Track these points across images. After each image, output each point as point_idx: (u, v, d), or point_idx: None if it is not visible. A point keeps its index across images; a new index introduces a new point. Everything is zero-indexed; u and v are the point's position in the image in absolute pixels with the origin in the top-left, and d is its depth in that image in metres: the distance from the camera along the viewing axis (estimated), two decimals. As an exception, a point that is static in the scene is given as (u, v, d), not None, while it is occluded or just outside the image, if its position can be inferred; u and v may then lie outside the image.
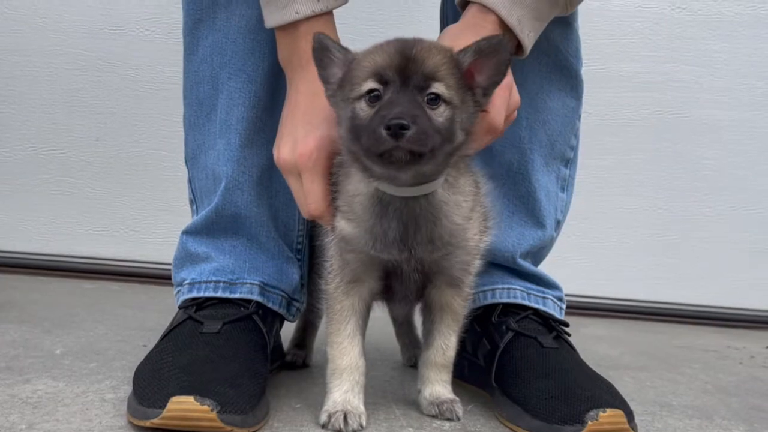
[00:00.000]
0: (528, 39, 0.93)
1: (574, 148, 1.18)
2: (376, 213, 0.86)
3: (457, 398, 0.95)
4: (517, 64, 1.02)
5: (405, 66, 0.80)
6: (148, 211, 2.03)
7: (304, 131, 0.90)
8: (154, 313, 1.55)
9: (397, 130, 0.75)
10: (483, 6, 0.91)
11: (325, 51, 0.85)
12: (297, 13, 0.89)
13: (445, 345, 0.96)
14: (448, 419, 0.93)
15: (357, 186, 0.87)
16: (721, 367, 1.48)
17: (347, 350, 0.90)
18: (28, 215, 2.02)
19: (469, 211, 0.90)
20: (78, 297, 1.71)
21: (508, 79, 0.88)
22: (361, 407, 0.89)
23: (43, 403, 0.89)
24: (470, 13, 0.92)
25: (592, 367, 1.05)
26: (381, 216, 0.86)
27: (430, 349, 0.96)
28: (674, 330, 1.94)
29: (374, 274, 0.91)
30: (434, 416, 0.94)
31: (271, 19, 0.92)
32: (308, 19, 0.89)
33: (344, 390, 0.89)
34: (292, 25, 0.91)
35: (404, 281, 0.91)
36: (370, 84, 0.80)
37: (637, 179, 2.09)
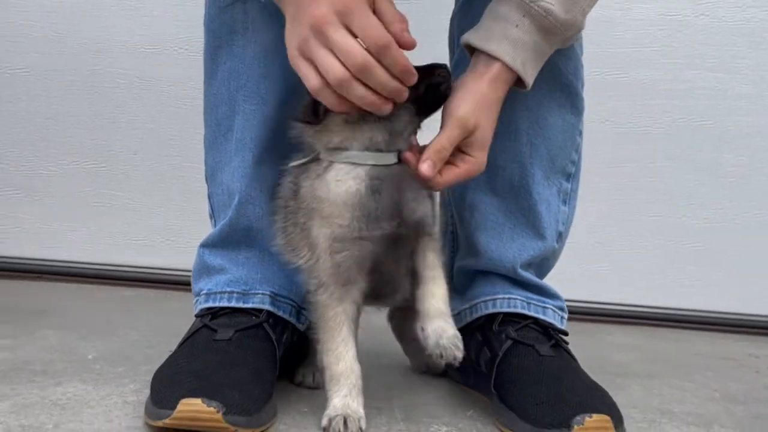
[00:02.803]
0: (531, 77, 1.01)
1: (576, 163, 1.21)
2: (370, 191, 0.93)
3: (460, 334, 0.94)
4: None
5: None
6: (183, 222, 2.12)
7: None
8: (185, 319, 1.62)
9: None
10: (488, 54, 0.98)
11: None
12: None
13: (437, 291, 0.97)
14: (452, 359, 0.92)
15: (337, 183, 0.94)
16: (735, 376, 1.49)
17: (342, 355, 0.95)
18: (72, 226, 2.14)
19: None
20: (116, 304, 1.81)
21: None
22: (360, 411, 0.94)
23: (71, 404, 0.97)
24: (481, 63, 0.99)
25: (602, 374, 1.08)
26: (373, 192, 0.93)
27: (424, 296, 0.97)
28: (696, 337, 1.94)
29: (365, 268, 0.96)
30: (440, 356, 0.93)
31: None
32: None
33: (343, 395, 0.94)
34: None
35: (396, 257, 0.97)
36: None
37: (660, 187, 2.10)
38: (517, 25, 0.97)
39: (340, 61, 0.87)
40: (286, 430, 0.94)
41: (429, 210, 1.00)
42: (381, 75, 0.88)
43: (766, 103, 2.08)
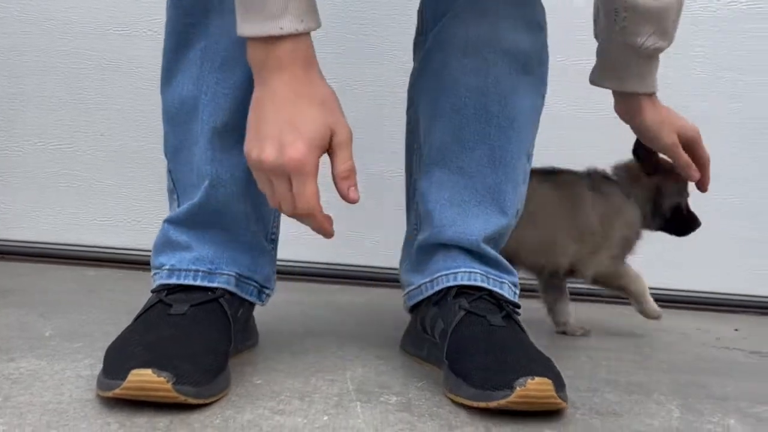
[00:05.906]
0: (655, 88, 1.35)
1: (533, 144, 1.25)
2: None
3: None
4: (490, 69, 1.16)
5: None
6: (149, 203, 2.13)
7: (292, 136, 0.92)
8: (147, 298, 1.64)
9: None
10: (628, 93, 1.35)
11: None
12: (281, 28, 0.92)
13: None
14: None
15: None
16: (685, 348, 1.54)
17: None
18: (37, 206, 2.14)
19: None
20: (79, 283, 1.82)
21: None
22: None
23: (23, 379, 0.98)
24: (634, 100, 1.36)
25: (551, 347, 1.10)
26: None
27: None
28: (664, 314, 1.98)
29: None
30: None
31: (249, 29, 0.94)
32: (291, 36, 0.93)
33: None
34: (275, 37, 0.93)
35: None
36: None
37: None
38: (637, 64, 1.28)
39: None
40: (237, 401, 0.96)
41: None
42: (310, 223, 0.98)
43: (723, 88, 2.13)
